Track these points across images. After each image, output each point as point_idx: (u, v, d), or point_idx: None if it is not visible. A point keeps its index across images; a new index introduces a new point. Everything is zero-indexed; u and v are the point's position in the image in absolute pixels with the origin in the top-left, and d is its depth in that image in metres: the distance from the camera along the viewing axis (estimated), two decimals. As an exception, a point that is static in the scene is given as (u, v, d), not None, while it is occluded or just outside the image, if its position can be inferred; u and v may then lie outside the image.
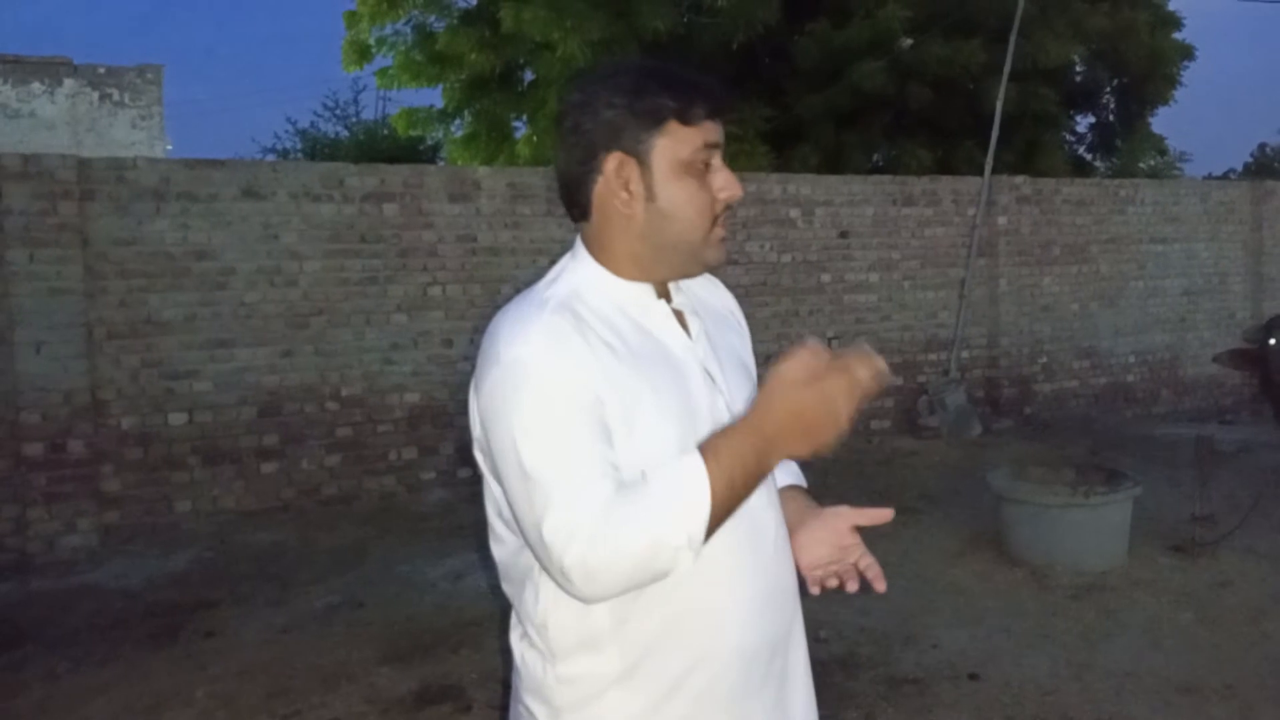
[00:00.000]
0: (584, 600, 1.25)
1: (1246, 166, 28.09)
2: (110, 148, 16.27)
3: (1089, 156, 13.20)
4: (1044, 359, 8.88)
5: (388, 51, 11.56)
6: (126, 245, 5.80)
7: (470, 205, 6.70)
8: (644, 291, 1.39)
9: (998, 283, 8.58)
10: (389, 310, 6.45)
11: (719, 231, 1.37)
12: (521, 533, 1.28)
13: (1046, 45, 9.97)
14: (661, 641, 1.31)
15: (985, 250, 8.52)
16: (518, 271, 6.80)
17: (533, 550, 1.26)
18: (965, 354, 8.45)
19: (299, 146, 19.09)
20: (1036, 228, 8.81)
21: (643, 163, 1.33)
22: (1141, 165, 13.68)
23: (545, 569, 1.26)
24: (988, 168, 8.39)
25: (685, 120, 1.32)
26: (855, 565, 1.46)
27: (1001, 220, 8.58)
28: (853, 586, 1.46)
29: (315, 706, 3.59)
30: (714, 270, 1.43)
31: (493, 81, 11.25)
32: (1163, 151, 14.97)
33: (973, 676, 3.75)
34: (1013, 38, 8.42)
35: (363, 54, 11.64)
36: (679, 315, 1.42)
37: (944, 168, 9.94)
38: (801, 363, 1.21)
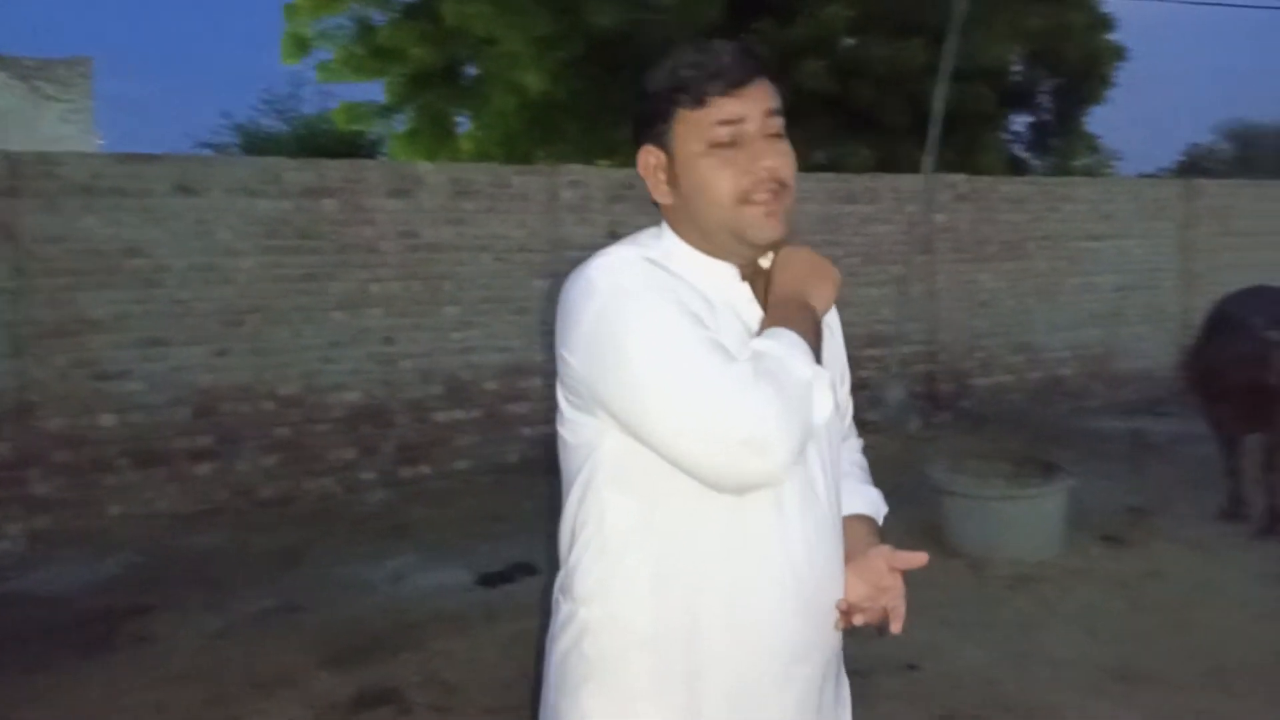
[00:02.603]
0: (766, 479, 1.25)
1: (1179, 165, 28.79)
2: (39, 142, 15.79)
3: (1026, 155, 13.47)
4: (981, 354, 9.02)
5: (327, 45, 11.44)
6: (55, 242, 5.63)
7: (411, 201, 6.62)
8: (727, 270, 1.42)
9: (936, 279, 8.70)
10: (328, 308, 6.35)
11: (757, 207, 1.35)
12: (667, 446, 1.25)
13: (985, 45, 10.16)
14: (692, 609, 1.32)
15: (925, 247, 8.62)
16: (460, 268, 6.74)
17: (690, 459, 1.25)
18: (905, 349, 8.55)
19: (237, 141, 18.72)
20: (974, 225, 8.94)
21: (667, 151, 1.38)
22: (1076, 163, 14.00)
23: (712, 468, 1.24)
24: (926, 166, 8.50)
25: (694, 104, 1.34)
26: (884, 608, 1.42)
27: (940, 218, 8.70)
28: (895, 628, 1.42)
29: (251, 713, 3.52)
30: (767, 243, 1.40)
31: (436, 76, 11.18)
32: (1096, 150, 15.32)
33: (912, 667, 3.79)
34: (951, 38, 8.53)
35: (302, 47, 11.51)
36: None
37: (887, 166, 10.06)
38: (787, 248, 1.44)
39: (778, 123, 1.37)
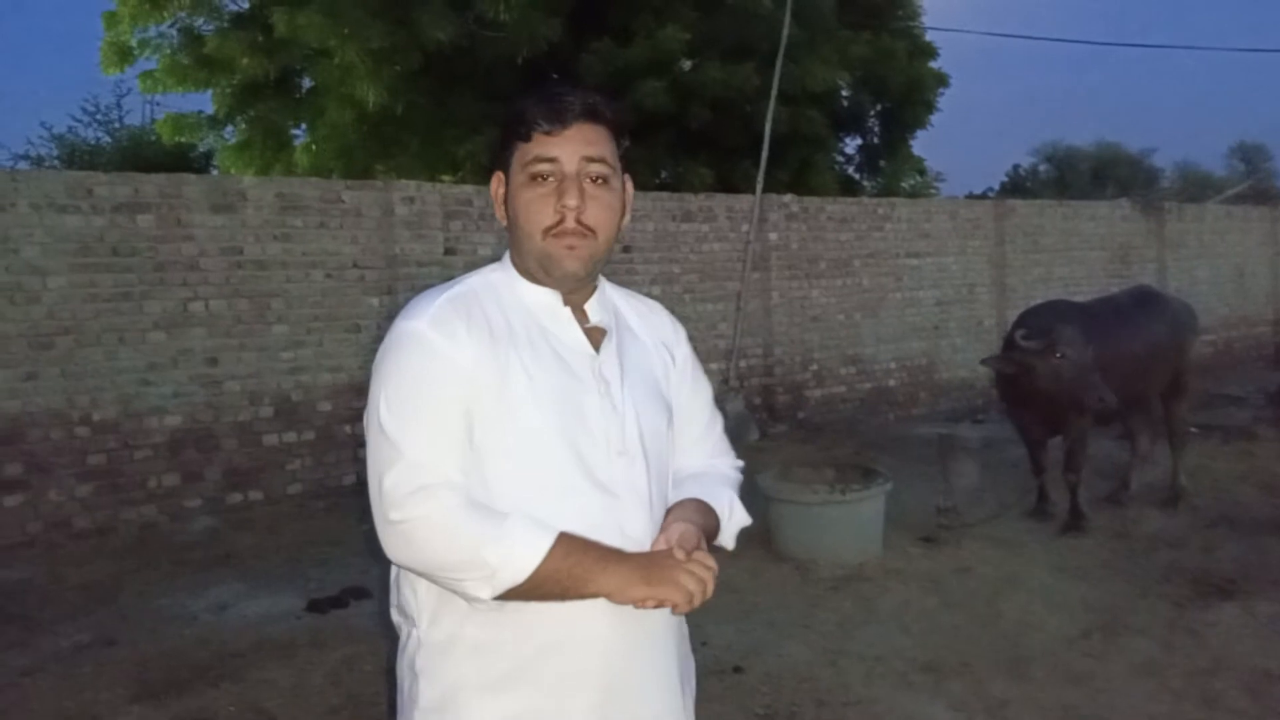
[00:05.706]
0: (388, 557, 1.38)
1: (1003, 185, 30.57)
2: None
3: (857, 176, 14.05)
4: (814, 366, 9.37)
5: (151, 54, 10.93)
6: None
7: (235, 216, 6.40)
8: (550, 295, 1.50)
9: (770, 295, 9.01)
10: (145, 328, 6.07)
11: (558, 241, 1.44)
12: (368, 486, 1.38)
13: (813, 70, 10.55)
14: (512, 621, 1.38)
15: (759, 264, 8.91)
16: (289, 286, 6.55)
17: (371, 503, 1.37)
18: (742, 363, 8.81)
19: (55, 153, 17.63)
20: (804, 243, 9.30)
21: (507, 176, 1.49)
22: (903, 185, 14.70)
23: (375, 519, 1.36)
24: (759, 186, 8.78)
25: (522, 136, 1.45)
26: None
27: (773, 236, 9.01)
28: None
29: (53, 754, 3.34)
30: (566, 277, 1.47)
31: (268, 87, 10.82)
32: (922, 172, 16.17)
33: (737, 669, 3.91)
34: (779, 62, 8.86)
35: (124, 56, 10.94)
36: (594, 331, 1.51)
37: (725, 185, 10.33)
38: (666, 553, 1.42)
39: (599, 169, 1.45)
